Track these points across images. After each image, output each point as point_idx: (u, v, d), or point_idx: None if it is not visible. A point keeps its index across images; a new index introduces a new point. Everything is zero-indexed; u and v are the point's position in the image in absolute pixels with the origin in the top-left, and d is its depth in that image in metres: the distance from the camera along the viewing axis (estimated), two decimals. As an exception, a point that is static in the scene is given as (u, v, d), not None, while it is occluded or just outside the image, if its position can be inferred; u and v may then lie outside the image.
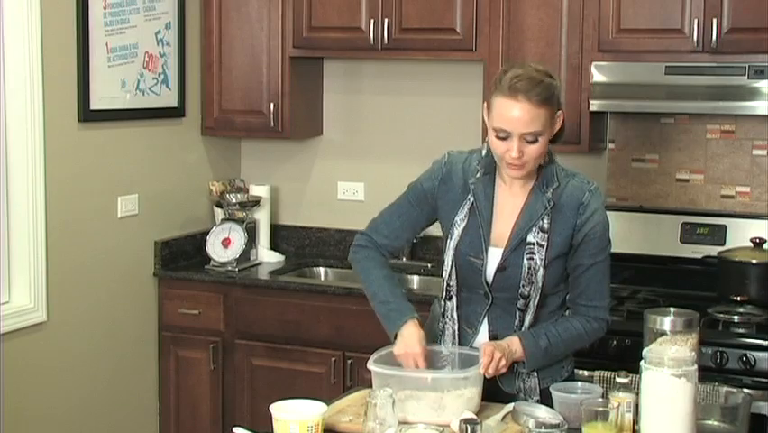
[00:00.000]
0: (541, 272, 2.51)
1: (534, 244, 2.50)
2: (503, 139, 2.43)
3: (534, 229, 2.51)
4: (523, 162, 2.44)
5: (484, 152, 2.57)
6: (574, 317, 2.58)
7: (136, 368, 4.12)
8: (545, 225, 2.51)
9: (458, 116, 4.29)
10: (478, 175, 2.57)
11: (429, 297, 3.40)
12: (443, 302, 2.64)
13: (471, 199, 2.56)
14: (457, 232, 2.56)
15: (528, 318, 2.55)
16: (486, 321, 2.58)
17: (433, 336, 2.67)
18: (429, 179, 2.64)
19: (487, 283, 2.54)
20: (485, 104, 2.52)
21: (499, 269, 2.52)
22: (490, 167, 2.56)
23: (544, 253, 2.50)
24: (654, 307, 2.96)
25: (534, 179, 2.54)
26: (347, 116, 4.53)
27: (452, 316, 2.62)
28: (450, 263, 2.58)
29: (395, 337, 2.55)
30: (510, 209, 2.55)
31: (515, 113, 2.39)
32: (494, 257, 2.53)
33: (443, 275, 2.62)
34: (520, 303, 2.54)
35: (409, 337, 2.51)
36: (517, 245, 2.51)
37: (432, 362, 2.54)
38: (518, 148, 2.41)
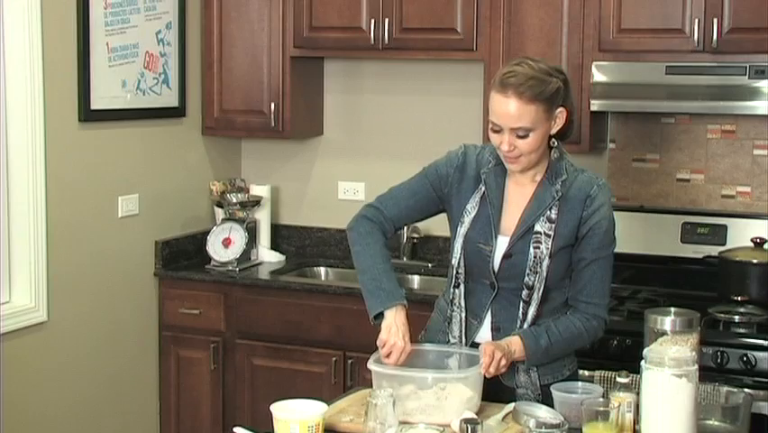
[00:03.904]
0: (546, 262, 2.52)
1: (540, 233, 2.53)
2: (497, 132, 2.50)
3: (541, 219, 2.54)
4: (516, 156, 2.49)
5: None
6: (574, 315, 2.59)
7: (137, 368, 4.13)
8: (553, 216, 2.53)
9: (458, 116, 4.29)
10: (490, 165, 2.61)
11: (430, 297, 3.40)
12: (451, 289, 2.66)
13: (483, 189, 2.59)
14: (468, 219, 2.59)
15: (531, 312, 2.56)
16: (490, 312, 2.60)
17: (436, 331, 2.69)
18: (446, 166, 2.66)
19: (493, 271, 2.56)
20: None
21: (506, 256, 2.55)
22: None
23: (550, 243, 2.53)
24: (655, 307, 2.96)
25: (544, 172, 2.57)
26: (347, 116, 4.53)
27: (459, 304, 2.64)
28: (459, 250, 2.60)
29: (375, 318, 2.56)
30: (519, 199, 2.58)
31: (504, 108, 2.45)
32: (501, 245, 2.56)
33: (452, 262, 2.63)
34: (524, 294, 2.55)
35: (397, 327, 2.50)
36: (524, 233, 2.54)
37: (436, 360, 2.54)
38: (509, 142, 2.47)
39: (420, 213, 2.71)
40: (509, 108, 2.44)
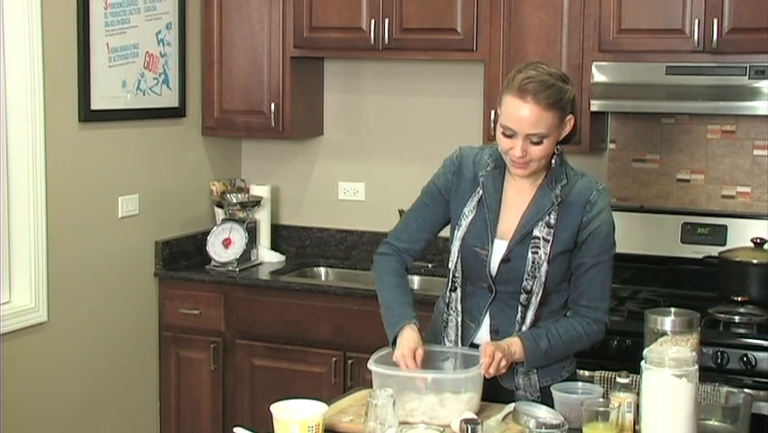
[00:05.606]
0: (544, 267, 2.52)
1: (539, 238, 2.53)
2: (509, 137, 2.48)
3: (540, 224, 2.53)
4: (526, 162, 2.48)
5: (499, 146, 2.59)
6: (574, 318, 2.59)
7: (137, 368, 4.12)
8: (552, 221, 2.53)
9: (458, 116, 4.29)
10: (488, 168, 2.60)
11: (430, 297, 3.40)
12: (448, 293, 2.66)
13: (480, 192, 2.59)
14: (465, 223, 2.59)
15: (530, 315, 2.56)
16: (488, 315, 2.60)
17: (435, 333, 2.69)
18: (442, 176, 2.67)
19: (490, 275, 2.56)
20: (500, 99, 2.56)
21: (504, 260, 2.54)
22: (501, 161, 2.58)
23: (548, 248, 2.52)
24: (655, 307, 2.96)
25: (544, 176, 2.56)
26: (347, 116, 4.53)
27: (456, 307, 2.64)
28: (456, 254, 2.60)
29: (392, 343, 2.56)
30: (518, 203, 2.57)
31: (522, 113, 2.43)
32: (499, 249, 2.55)
33: (450, 266, 2.63)
34: (522, 298, 2.55)
35: (406, 341, 2.50)
36: (523, 238, 2.54)
37: (432, 362, 2.54)
38: (522, 147, 2.46)
39: (431, 232, 2.71)
40: (528, 114, 2.43)
